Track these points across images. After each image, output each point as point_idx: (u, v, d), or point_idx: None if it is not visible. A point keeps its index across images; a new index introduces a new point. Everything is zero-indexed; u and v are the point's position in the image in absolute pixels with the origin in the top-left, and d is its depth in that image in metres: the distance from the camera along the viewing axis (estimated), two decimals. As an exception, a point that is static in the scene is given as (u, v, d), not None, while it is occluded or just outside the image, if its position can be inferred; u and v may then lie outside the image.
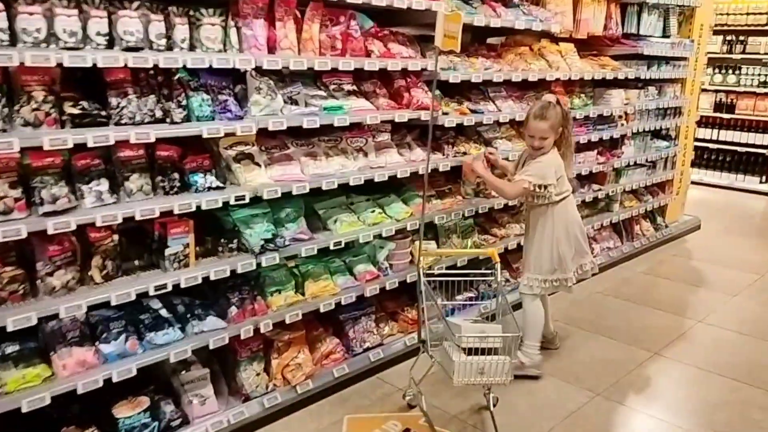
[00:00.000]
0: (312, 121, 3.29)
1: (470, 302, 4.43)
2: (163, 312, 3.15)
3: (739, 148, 9.59)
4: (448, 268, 4.15)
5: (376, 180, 3.72)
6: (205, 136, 2.89)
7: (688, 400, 3.81)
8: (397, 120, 3.76)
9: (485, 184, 4.23)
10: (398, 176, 3.83)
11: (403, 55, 3.78)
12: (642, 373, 4.08)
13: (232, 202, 3.05)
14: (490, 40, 5.33)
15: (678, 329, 4.73)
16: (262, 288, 3.46)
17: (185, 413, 3.13)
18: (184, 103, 2.91)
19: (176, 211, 2.87)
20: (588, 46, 5.85)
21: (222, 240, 3.19)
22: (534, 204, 3.82)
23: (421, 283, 3.23)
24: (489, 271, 3.31)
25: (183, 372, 3.27)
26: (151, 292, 2.87)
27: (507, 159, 4.34)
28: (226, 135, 3.04)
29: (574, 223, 3.86)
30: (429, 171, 4.02)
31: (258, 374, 3.44)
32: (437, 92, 4.23)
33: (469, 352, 3.00)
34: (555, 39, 5.32)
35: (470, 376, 2.95)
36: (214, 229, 3.30)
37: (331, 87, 3.63)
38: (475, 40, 5.06)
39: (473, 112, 4.32)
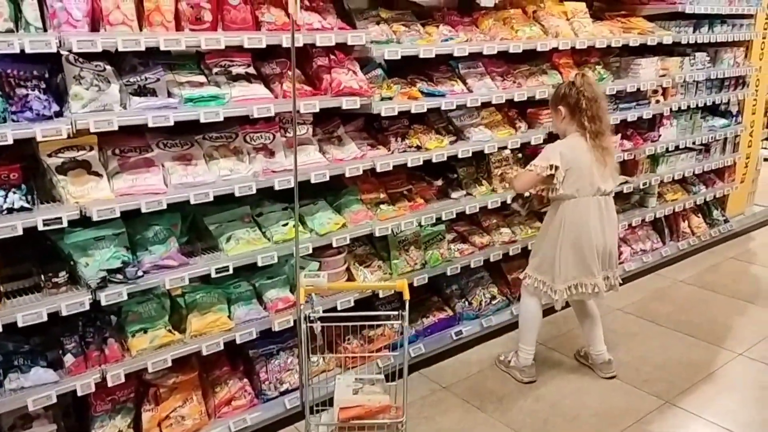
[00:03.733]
0: (161, 117, 2.52)
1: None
2: (-18, 361, 2.54)
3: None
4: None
5: (276, 188, 2.93)
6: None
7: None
8: (303, 110, 2.94)
9: (535, 197, 3.58)
10: (312, 180, 3.02)
11: (314, 27, 2.94)
12: (640, 433, 3.13)
13: (40, 227, 2.34)
14: (484, 2, 4.36)
15: (708, 365, 3.69)
16: (122, 326, 2.77)
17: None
18: (-53, 102, 2.22)
19: (-55, 245, 2.21)
20: (619, 5, 4.80)
21: (48, 273, 2.51)
22: (551, 197, 3.33)
23: (301, 330, 2.44)
24: (395, 313, 2.48)
25: (23, 429, 2.67)
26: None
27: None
28: (22, 141, 2.33)
29: (583, 236, 3.26)
30: (361, 171, 3.25)
31: (120, 432, 2.79)
32: (379, 72, 3.37)
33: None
34: (564, -3, 4.31)
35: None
36: (51, 259, 2.64)
37: (215, 70, 2.86)
38: (463, 6, 4.12)
39: (428, 95, 3.42)
